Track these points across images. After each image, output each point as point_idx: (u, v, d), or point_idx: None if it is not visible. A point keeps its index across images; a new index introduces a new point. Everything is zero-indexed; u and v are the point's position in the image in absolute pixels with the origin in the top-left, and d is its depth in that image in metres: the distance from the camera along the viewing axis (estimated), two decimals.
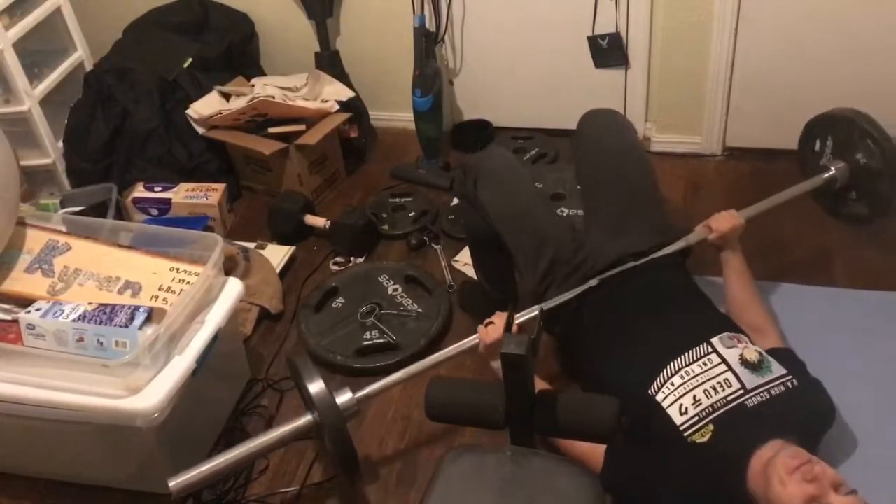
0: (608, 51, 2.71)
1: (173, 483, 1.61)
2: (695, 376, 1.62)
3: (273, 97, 2.68)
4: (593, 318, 1.84)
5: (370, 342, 2.17)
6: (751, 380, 1.59)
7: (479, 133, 2.95)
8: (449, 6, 2.77)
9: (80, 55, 2.78)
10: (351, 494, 1.84)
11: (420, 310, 2.25)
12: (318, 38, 2.90)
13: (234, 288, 1.90)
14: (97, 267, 1.88)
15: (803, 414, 1.58)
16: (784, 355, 1.71)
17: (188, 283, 1.84)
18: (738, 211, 2.00)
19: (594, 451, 1.62)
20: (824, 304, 2.15)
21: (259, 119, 2.70)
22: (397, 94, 2.94)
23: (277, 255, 2.50)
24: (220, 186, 2.64)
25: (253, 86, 2.81)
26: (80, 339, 1.67)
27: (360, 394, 1.75)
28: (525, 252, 1.92)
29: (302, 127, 2.68)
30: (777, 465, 1.40)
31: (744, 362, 1.62)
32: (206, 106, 2.70)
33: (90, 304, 1.73)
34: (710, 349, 1.65)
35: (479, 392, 1.58)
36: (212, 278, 1.85)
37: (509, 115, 2.99)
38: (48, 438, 1.80)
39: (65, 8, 2.70)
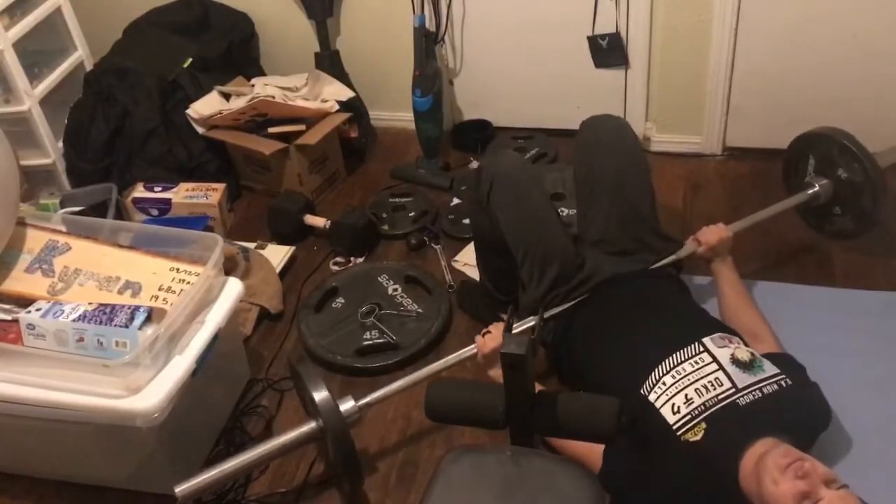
0: (608, 51, 2.71)
1: (179, 489, 1.61)
2: (686, 375, 1.62)
3: (273, 97, 2.68)
4: (584, 323, 1.86)
5: (370, 342, 2.17)
6: (742, 378, 1.60)
7: (479, 133, 2.95)
8: (449, 6, 2.77)
9: (80, 55, 2.78)
10: (351, 495, 1.84)
11: (420, 310, 2.25)
12: (318, 38, 2.90)
13: (234, 288, 1.90)
14: (97, 267, 1.88)
15: (796, 413, 1.58)
16: (781, 360, 1.71)
17: (188, 283, 1.84)
18: (725, 225, 2.04)
19: (591, 451, 1.62)
20: (824, 304, 2.15)
21: (259, 119, 2.70)
22: (397, 94, 2.94)
23: (277, 255, 2.50)
24: (220, 186, 2.64)
25: (253, 86, 2.81)
26: (81, 339, 1.67)
27: (362, 401, 1.77)
28: (531, 267, 1.92)
29: (302, 127, 2.68)
30: (768, 463, 1.41)
31: (735, 361, 1.62)
32: (206, 106, 2.70)
33: (90, 304, 1.73)
34: (701, 348, 1.66)
35: (479, 392, 1.58)
36: (212, 278, 1.85)
37: (509, 115, 2.99)
38: (48, 438, 1.80)
39: (65, 8, 2.70)
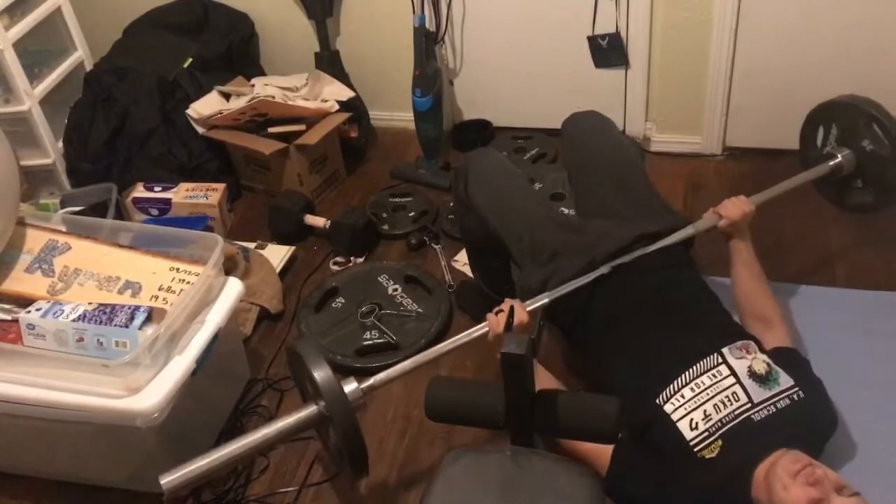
0: (608, 51, 2.71)
1: (165, 480, 1.50)
2: (705, 389, 1.60)
3: (273, 97, 2.68)
4: (604, 312, 1.80)
5: (370, 342, 2.17)
6: (758, 393, 1.59)
7: (479, 133, 2.95)
8: (449, 6, 2.77)
9: (80, 55, 2.78)
10: (351, 494, 1.83)
11: (420, 310, 2.25)
12: (318, 38, 2.90)
13: (234, 288, 1.90)
14: (97, 267, 1.88)
15: (808, 426, 1.58)
16: (789, 357, 1.70)
17: (188, 283, 1.84)
18: (747, 197, 1.95)
19: (599, 452, 1.62)
20: (824, 304, 2.14)
21: (259, 119, 2.70)
22: (397, 94, 2.94)
23: (277, 255, 2.50)
24: (220, 186, 2.64)
25: (253, 86, 2.81)
26: (80, 339, 1.67)
27: (365, 384, 1.65)
28: (522, 244, 1.90)
29: (302, 127, 2.68)
30: (778, 470, 1.41)
31: (752, 375, 1.61)
32: (206, 106, 2.70)
33: (90, 303, 1.73)
34: (720, 360, 1.64)
35: (479, 392, 1.58)
36: (212, 278, 1.85)
37: (509, 115, 2.99)
38: (48, 438, 1.80)
39: (65, 8, 2.70)
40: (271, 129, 2.69)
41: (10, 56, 2.44)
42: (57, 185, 2.69)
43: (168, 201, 2.59)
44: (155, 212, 2.61)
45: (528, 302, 1.78)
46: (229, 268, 2.18)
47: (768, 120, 2.70)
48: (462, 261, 2.43)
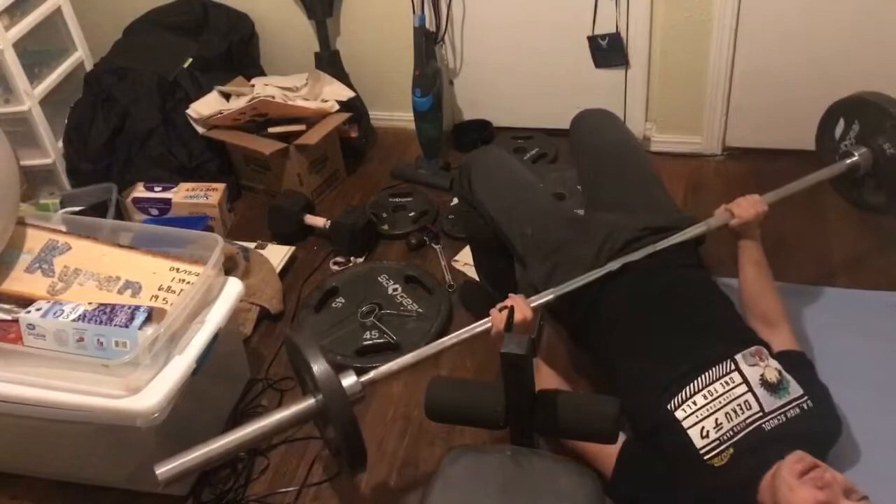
0: (608, 51, 2.71)
1: (161, 470, 1.48)
2: (717, 397, 1.59)
3: (273, 97, 2.68)
4: (613, 311, 1.77)
5: (370, 342, 2.17)
6: (769, 402, 1.58)
7: (479, 133, 2.95)
8: (449, 6, 2.77)
9: (80, 55, 2.78)
10: (351, 494, 1.83)
11: (420, 310, 2.25)
12: (318, 38, 2.90)
13: (234, 288, 1.90)
14: (97, 267, 1.88)
15: (814, 435, 1.57)
16: (797, 363, 1.69)
17: (188, 283, 1.84)
18: (760, 196, 1.92)
19: (602, 452, 1.62)
20: (824, 304, 2.14)
21: (259, 119, 2.70)
22: (397, 94, 2.94)
23: (277, 255, 2.50)
24: (220, 186, 2.64)
25: (253, 86, 2.81)
26: (81, 339, 1.67)
27: (365, 378, 1.62)
28: (525, 239, 1.89)
29: (302, 127, 2.68)
30: (783, 472, 1.40)
31: (764, 383, 1.60)
32: (206, 106, 2.70)
33: (90, 303, 1.72)
34: (732, 366, 1.62)
35: (479, 392, 1.58)
36: (212, 278, 1.85)
37: (509, 115, 2.99)
38: (48, 438, 1.80)
39: (65, 8, 2.71)
40: (271, 129, 2.69)
41: (10, 56, 2.44)
42: (57, 185, 2.69)
43: (168, 201, 2.59)
44: (155, 212, 2.61)
45: (532, 298, 1.75)
46: (229, 268, 2.18)
47: (768, 120, 2.70)
48: (462, 261, 2.43)
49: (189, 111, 2.70)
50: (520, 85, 2.91)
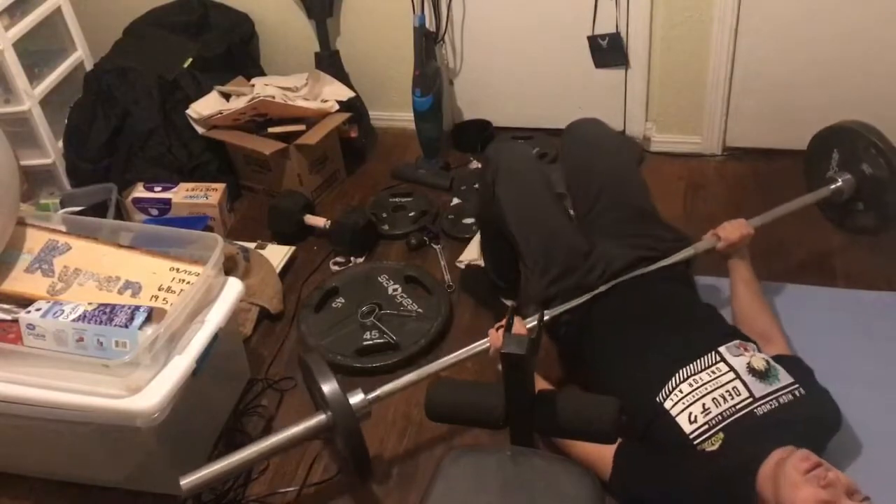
0: (608, 51, 2.71)
1: (185, 482, 1.59)
2: (703, 384, 1.61)
3: (273, 97, 2.68)
4: (602, 323, 1.83)
5: (370, 342, 2.17)
6: (759, 388, 1.60)
7: (479, 133, 2.95)
8: (449, 6, 2.77)
9: (80, 55, 2.78)
10: (351, 495, 1.83)
11: (420, 310, 2.25)
12: (318, 38, 2.90)
13: (234, 288, 1.90)
14: (97, 267, 1.88)
15: (811, 423, 1.58)
16: (792, 363, 1.70)
17: (188, 283, 1.84)
18: (746, 220, 2.00)
19: (600, 454, 1.62)
20: (824, 304, 2.14)
21: (259, 119, 2.70)
22: (397, 94, 2.94)
23: (277, 255, 2.50)
24: (220, 186, 2.64)
25: (253, 86, 2.81)
26: (80, 339, 1.67)
27: (371, 395, 1.75)
28: (535, 256, 1.91)
29: (302, 127, 2.68)
30: (787, 468, 1.40)
31: (751, 371, 1.62)
32: (206, 106, 2.70)
33: (90, 304, 1.73)
34: (717, 357, 1.65)
35: (479, 392, 1.58)
36: (212, 278, 1.85)
37: (509, 115, 2.99)
38: (48, 438, 1.80)
39: (65, 8, 2.71)
40: (271, 129, 2.69)
41: (10, 56, 2.44)
42: (57, 185, 2.69)
43: (168, 201, 2.59)
44: (155, 212, 2.61)
45: (527, 320, 1.82)
46: (229, 268, 2.18)
47: (768, 120, 2.70)
48: (463, 261, 2.43)
49: (189, 111, 2.70)
50: (520, 85, 2.91)
